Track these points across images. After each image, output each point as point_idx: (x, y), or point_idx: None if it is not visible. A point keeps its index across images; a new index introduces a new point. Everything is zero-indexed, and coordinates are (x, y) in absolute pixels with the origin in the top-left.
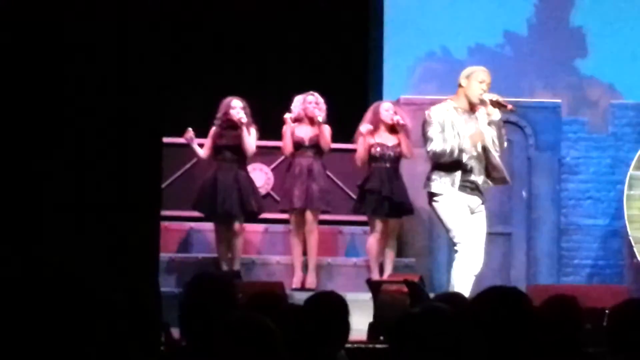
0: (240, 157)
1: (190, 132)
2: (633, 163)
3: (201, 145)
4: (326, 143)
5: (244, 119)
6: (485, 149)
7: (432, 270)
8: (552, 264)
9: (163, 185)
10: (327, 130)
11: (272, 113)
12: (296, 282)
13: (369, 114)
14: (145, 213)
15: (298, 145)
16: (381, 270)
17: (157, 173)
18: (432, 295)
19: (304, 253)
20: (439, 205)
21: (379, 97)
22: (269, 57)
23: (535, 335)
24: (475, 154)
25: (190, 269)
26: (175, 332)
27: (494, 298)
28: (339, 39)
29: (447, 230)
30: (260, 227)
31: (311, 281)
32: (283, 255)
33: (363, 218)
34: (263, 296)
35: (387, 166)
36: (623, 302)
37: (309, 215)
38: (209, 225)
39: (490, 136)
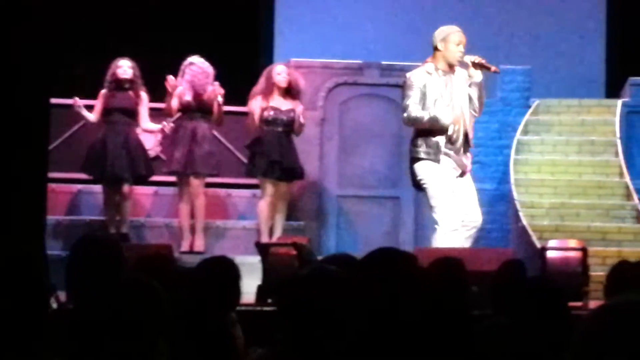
0: (130, 118)
1: (77, 101)
2: (520, 128)
3: (90, 108)
4: (221, 120)
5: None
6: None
7: (320, 234)
8: None
9: (50, 147)
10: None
11: (162, 76)
12: (185, 245)
13: (262, 78)
14: (31, 175)
15: (185, 108)
16: (271, 234)
17: (44, 135)
18: (320, 258)
19: (192, 216)
20: (421, 170)
21: (270, 59)
22: (158, 20)
23: (422, 297)
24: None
25: (78, 231)
26: (63, 295)
27: (382, 260)
28: (229, 1)
29: (429, 197)
30: (149, 189)
31: (199, 244)
32: (172, 218)
33: (252, 181)
34: (151, 259)
35: (280, 130)
36: (503, 265)
37: (192, 179)
38: (97, 188)
39: (471, 97)
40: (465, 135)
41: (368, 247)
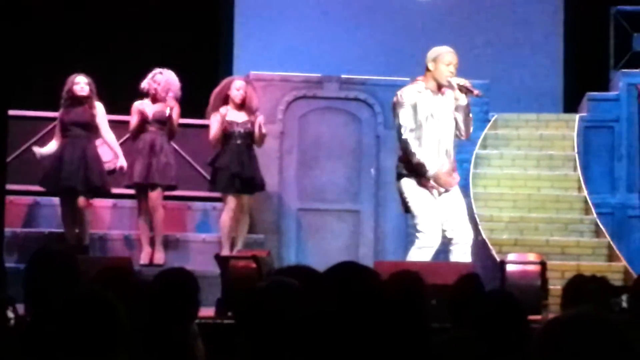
0: (88, 132)
1: (37, 151)
2: (479, 142)
3: (46, 120)
4: (176, 127)
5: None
6: (446, 140)
7: (280, 247)
8: (399, 240)
9: (8, 159)
10: (176, 112)
11: (122, 89)
12: (144, 257)
13: (217, 91)
14: None
15: (143, 121)
16: (232, 247)
17: (2, 146)
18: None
19: (151, 229)
20: (404, 186)
21: (229, 72)
22: (119, 33)
23: (380, 310)
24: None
25: (36, 244)
26: (21, 308)
27: (342, 273)
28: (189, 14)
29: (412, 216)
30: (108, 202)
31: (159, 257)
32: (131, 231)
33: (212, 194)
34: (110, 271)
35: (238, 143)
36: (460, 278)
37: (151, 191)
38: (55, 200)
39: (452, 127)
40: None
41: (328, 260)
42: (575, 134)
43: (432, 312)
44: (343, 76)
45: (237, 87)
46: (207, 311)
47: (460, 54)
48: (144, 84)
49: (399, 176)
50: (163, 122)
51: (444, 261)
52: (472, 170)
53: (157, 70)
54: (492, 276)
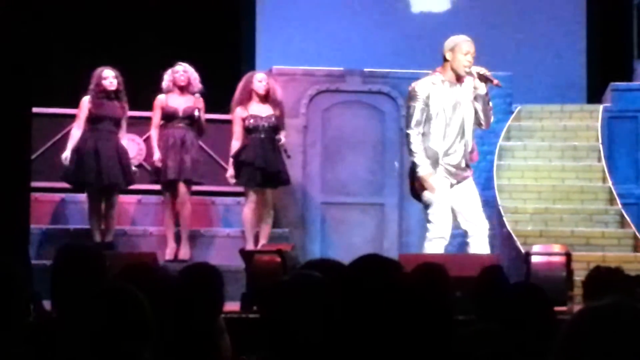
0: (117, 127)
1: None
2: (502, 134)
3: (70, 117)
4: (204, 123)
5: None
6: (464, 130)
7: (305, 241)
8: (423, 233)
9: (33, 157)
10: (200, 103)
11: (144, 84)
12: (169, 253)
13: (241, 85)
14: (14, 185)
15: (171, 116)
16: (257, 241)
17: (27, 144)
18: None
19: (177, 224)
20: (418, 175)
21: (251, 67)
22: (141, 28)
23: (404, 302)
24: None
25: (62, 240)
26: (48, 304)
27: (366, 266)
28: (211, 8)
29: (425, 206)
30: (133, 198)
31: (184, 252)
32: (156, 227)
33: (237, 189)
34: (135, 267)
35: (262, 137)
36: (483, 271)
37: (181, 187)
38: (80, 197)
39: (472, 115)
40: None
41: (352, 254)
42: (599, 124)
43: (456, 305)
44: (366, 69)
45: (259, 79)
46: (232, 306)
47: (484, 46)
48: (166, 82)
49: (413, 168)
50: (192, 118)
51: (468, 253)
52: (496, 162)
53: (175, 66)
54: (517, 268)
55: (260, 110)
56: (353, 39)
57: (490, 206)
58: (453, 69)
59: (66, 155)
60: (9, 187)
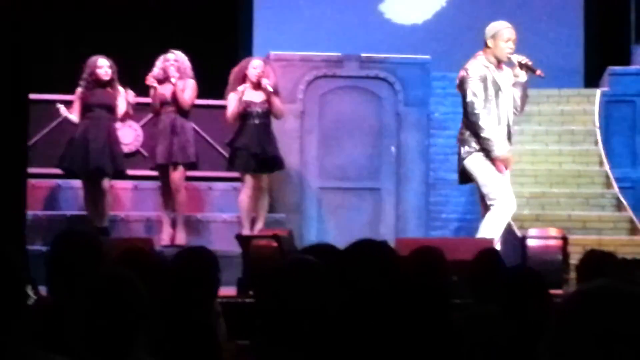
0: (110, 114)
1: (60, 108)
2: None
3: (68, 103)
4: (183, 101)
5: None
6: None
7: (301, 226)
8: (420, 218)
9: (30, 143)
10: (189, 86)
11: (141, 71)
12: (165, 238)
13: (236, 70)
14: (10, 171)
15: (162, 102)
16: (253, 226)
17: (23, 130)
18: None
19: (173, 209)
20: (472, 162)
21: (248, 53)
22: (135, 15)
23: (400, 287)
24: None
25: (58, 226)
26: (43, 290)
27: (362, 250)
28: None
29: (481, 186)
30: (129, 184)
31: (181, 237)
32: (152, 212)
33: (233, 174)
34: (132, 252)
35: (257, 122)
36: (480, 254)
37: (173, 172)
38: (76, 183)
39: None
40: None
41: (349, 238)
42: (596, 108)
43: (454, 288)
44: (363, 55)
45: (254, 65)
46: (228, 290)
47: (482, 29)
48: (157, 69)
49: (466, 152)
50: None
51: (465, 237)
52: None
53: (167, 54)
54: (514, 251)
55: (254, 96)
56: (350, 23)
57: None
58: (495, 56)
59: (62, 109)
60: (6, 173)
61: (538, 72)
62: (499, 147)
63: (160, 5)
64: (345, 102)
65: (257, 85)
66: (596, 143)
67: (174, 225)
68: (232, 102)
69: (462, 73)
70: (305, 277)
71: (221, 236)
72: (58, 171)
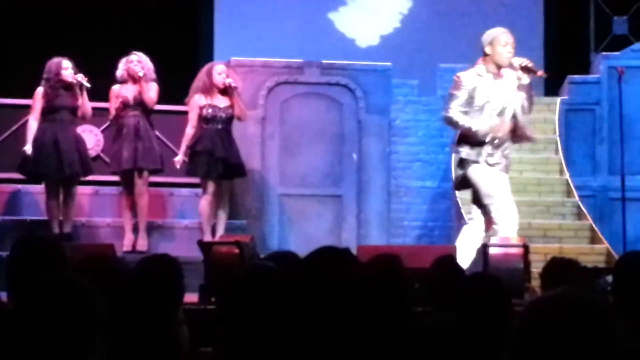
0: (75, 117)
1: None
2: None
3: (24, 107)
4: (149, 98)
5: (86, 83)
6: (514, 115)
7: (263, 232)
8: (382, 225)
9: None
10: (152, 87)
11: (100, 75)
12: (127, 244)
13: (201, 76)
14: None
15: (124, 105)
16: (214, 233)
17: None
18: (262, 256)
19: (135, 215)
20: (471, 172)
21: (209, 58)
22: (96, 18)
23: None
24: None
25: (18, 232)
26: (4, 296)
27: (322, 258)
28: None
29: (483, 196)
30: (89, 189)
31: (142, 243)
32: (113, 218)
33: (194, 180)
34: (93, 258)
35: (219, 127)
36: (437, 261)
37: (137, 177)
38: (38, 188)
39: (519, 100)
40: (520, 136)
41: (311, 245)
42: (556, 117)
43: (415, 296)
44: (324, 61)
45: (218, 71)
46: (190, 297)
47: (440, 37)
48: (121, 71)
49: (460, 162)
50: (144, 104)
51: (427, 245)
52: (454, 154)
53: (129, 55)
54: (475, 260)
55: (219, 101)
56: (311, 29)
57: (448, 198)
58: (495, 62)
59: (28, 146)
60: None
61: (539, 73)
62: (482, 127)
63: (120, 8)
64: (306, 109)
65: (223, 91)
66: (557, 151)
67: (135, 231)
68: (194, 108)
69: (455, 78)
70: (266, 285)
71: (183, 242)
72: (16, 176)
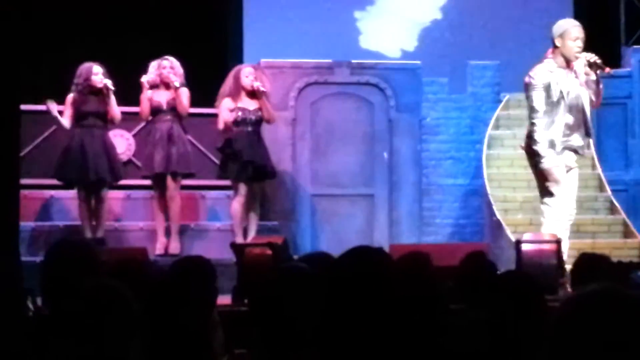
0: (104, 122)
1: (50, 106)
2: (491, 123)
3: (60, 112)
4: (183, 107)
5: (111, 86)
6: (583, 111)
7: (295, 233)
8: (414, 223)
9: (22, 154)
10: (184, 94)
11: (131, 79)
12: (159, 248)
13: (229, 79)
14: (3, 182)
15: (156, 110)
16: (245, 234)
17: (15, 141)
18: (295, 257)
19: (167, 219)
20: (541, 166)
21: (239, 60)
22: (127, 22)
23: (393, 293)
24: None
25: (52, 237)
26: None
27: (356, 258)
28: (198, 2)
29: (544, 190)
30: (121, 193)
31: (174, 246)
32: (145, 221)
33: (225, 183)
34: (126, 263)
35: (249, 130)
36: (466, 258)
37: (170, 180)
38: (69, 193)
39: (587, 95)
40: (586, 130)
41: (343, 245)
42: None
43: (449, 294)
44: (354, 61)
45: (246, 74)
46: (223, 299)
47: (470, 35)
48: (153, 75)
49: (532, 156)
50: (176, 109)
51: (459, 242)
52: (485, 151)
53: (160, 59)
54: (508, 256)
55: (248, 104)
56: (341, 29)
57: (480, 195)
58: (563, 55)
59: (52, 106)
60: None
61: (607, 69)
62: (547, 160)
63: (150, 13)
64: (336, 109)
65: (252, 93)
66: (588, 146)
67: (167, 234)
68: (224, 111)
69: (526, 79)
70: (300, 286)
71: (215, 245)
72: (50, 182)
